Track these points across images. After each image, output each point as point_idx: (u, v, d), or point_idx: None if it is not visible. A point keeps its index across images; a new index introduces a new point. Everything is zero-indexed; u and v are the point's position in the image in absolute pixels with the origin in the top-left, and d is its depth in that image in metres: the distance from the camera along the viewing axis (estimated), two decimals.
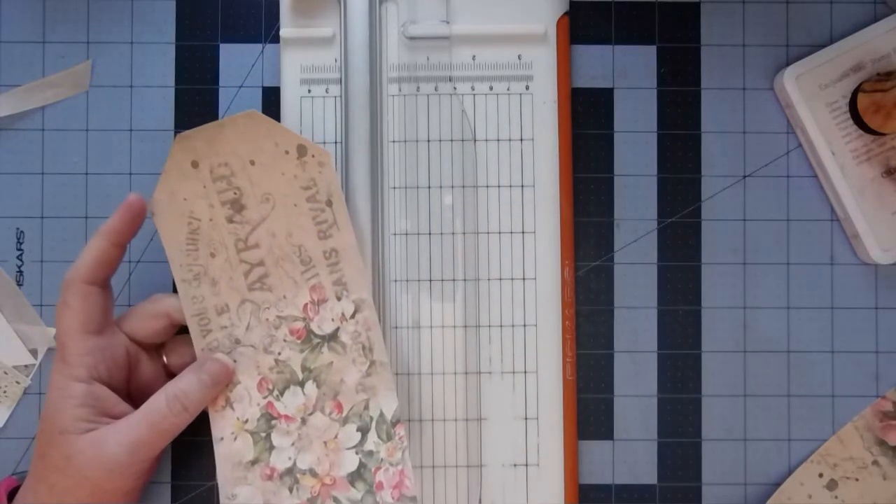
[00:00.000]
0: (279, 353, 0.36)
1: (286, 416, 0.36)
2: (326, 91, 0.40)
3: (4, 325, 0.41)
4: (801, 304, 0.41)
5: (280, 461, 0.36)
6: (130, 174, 0.41)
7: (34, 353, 0.41)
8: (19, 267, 0.41)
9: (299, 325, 0.36)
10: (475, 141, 0.40)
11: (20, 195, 0.41)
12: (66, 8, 0.42)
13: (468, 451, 0.39)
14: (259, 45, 0.42)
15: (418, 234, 0.40)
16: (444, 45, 0.40)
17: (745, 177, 0.41)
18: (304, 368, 0.36)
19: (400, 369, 0.39)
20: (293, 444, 0.36)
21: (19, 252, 0.41)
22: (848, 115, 0.40)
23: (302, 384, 0.36)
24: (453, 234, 0.40)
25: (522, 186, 0.40)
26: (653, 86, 0.42)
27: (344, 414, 0.36)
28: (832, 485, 0.41)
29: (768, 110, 0.42)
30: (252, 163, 0.35)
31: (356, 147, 0.39)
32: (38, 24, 0.41)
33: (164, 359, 0.39)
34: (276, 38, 0.41)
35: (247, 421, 0.36)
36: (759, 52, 0.42)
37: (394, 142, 0.40)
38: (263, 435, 0.36)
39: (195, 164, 0.35)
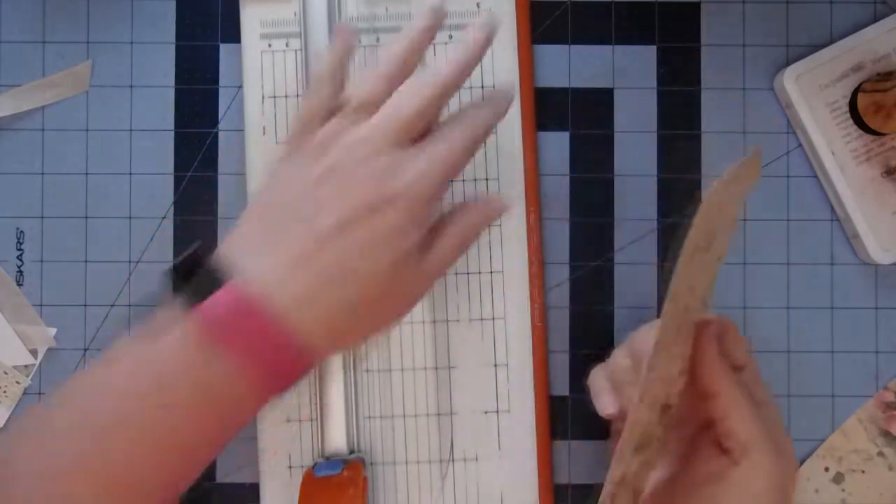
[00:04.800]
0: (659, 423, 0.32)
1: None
2: (287, 45, 0.40)
3: (4, 325, 0.41)
4: (801, 304, 0.41)
5: None
6: (130, 174, 0.41)
7: (34, 353, 0.41)
8: (19, 267, 0.41)
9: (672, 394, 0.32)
10: None
11: (20, 195, 0.41)
12: (66, 8, 0.42)
13: (438, 399, 0.40)
14: None
15: None
16: None
17: None
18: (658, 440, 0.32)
19: None
20: None
21: (19, 252, 0.41)
22: (848, 115, 0.40)
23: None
24: None
25: None
26: (653, 86, 0.42)
27: None
28: (839, 478, 0.41)
29: (768, 110, 0.42)
30: (731, 201, 0.31)
31: None
32: (38, 24, 0.41)
33: None
34: None
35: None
36: (759, 52, 0.42)
37: None
38: None
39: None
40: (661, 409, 0.31)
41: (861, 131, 0.40)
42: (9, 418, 0.41)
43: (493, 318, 0.40)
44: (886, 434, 0.41)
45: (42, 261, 0.41)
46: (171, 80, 0.42)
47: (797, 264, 0.41)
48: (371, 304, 0.31)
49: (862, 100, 0.39)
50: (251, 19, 0.40)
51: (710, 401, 0.32)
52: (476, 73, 0.40)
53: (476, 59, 0.32)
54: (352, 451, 0.39)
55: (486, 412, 0.40)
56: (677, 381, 0.31)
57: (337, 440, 0.39)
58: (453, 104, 0.40)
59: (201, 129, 0.41)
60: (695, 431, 0.34)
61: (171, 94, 0.41)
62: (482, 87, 0.40)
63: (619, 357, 0.35)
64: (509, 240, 0.40)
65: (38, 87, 0.41)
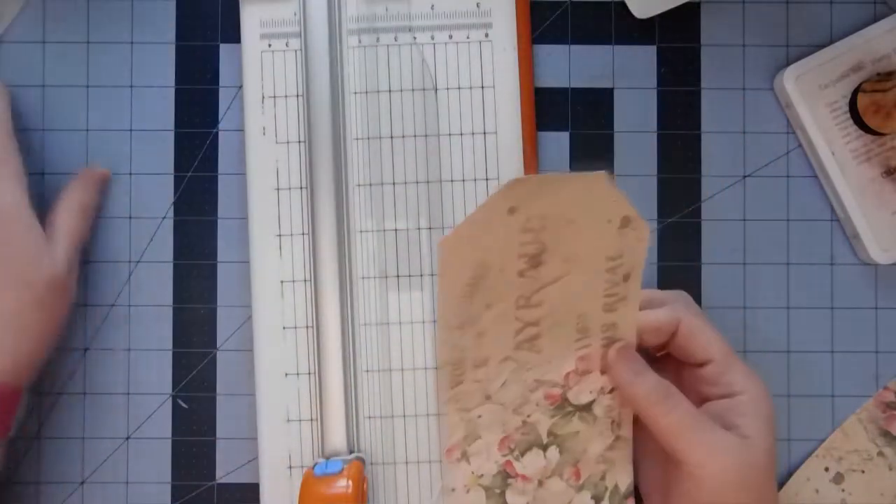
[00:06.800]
0: (528, 416, 0.34)
1: (523, 476, 0.35)
2: (287, 45, 0.40)
3: None
4: (801, 304, 0.41)
5: None
6: (130, 174, 0.41)
7: None
8: None
9: (556, 391, 0.34)
10: (436, 90, 0.40)
11: None
12: (66, 8, 0.42)
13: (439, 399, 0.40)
14: None
15: (382, 184, 0.40)
16: None
17: (745, 177, 0.41)
18: (551, 433, 0.35)
19: (367, 319, 0.40)
20: None
21: None
22: (848, 115, 0.40)
23: (545, 448, 0.35)
24: (417, 183, 0.40)
25: (485, 133, 0.40)
26: (653, 86, 0.42)
27: (581, 481, 0.35)
28: (839, 478, 0.41)
29: (768, 110, 0.42)
30: (569, 222, 0.31)
31: (317, 99, 0.40)
32: (38, 24, 0.41)
33: None
34: None
35: (482, 476, 0.35)
36: (759, 52, 0.42)
37: (355, 93, 0.40)
38: (497, 492, 0.35)
39: (512, 211, 0.31)
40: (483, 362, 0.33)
41: (861, 131, 0.40)
42: None
43: None
44: (886, 434, 0.41)
45: None
46: (171, 80, 0.42)
47: (797, 264, 0.41)
48: None
49: (862, 100, 0.39)
50: (251, 19, 0.40)
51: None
52: (476, 72, 0.40)
53: None
54: (352, 451, 0.39)
55: None
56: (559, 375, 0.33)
57: (337, 440, 0.39)
58: (454, 102, 0.40)
59: (201, 129, 0.41)
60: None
61: (171, 94, 0.41)
62: (482, 86, 0.40)
63: None
64: None
65: None
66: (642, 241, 0.31)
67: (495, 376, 0.33)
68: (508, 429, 0.34)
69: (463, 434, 0.34)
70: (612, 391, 0.34)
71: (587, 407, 0.34)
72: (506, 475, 0.35)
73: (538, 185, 0.30)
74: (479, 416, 0.34)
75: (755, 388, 0.34)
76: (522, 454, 0.34)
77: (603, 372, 0.33)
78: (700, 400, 0.35)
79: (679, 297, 0.38)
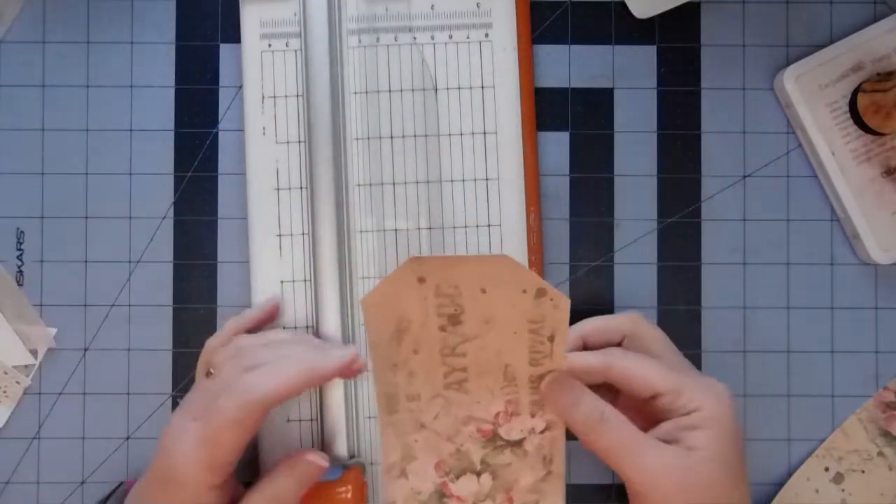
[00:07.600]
0: (462, 445, 0.36)
1: (458, 498, 0.36)
2: (287, 45, 0.40)
3: (4, 325, 0.41)
4: (801, 304, 0.41)
5: None
6: (130, 174, 0.41)
7: (34, 353, 0.41)
8: (19, 267, 0.41)
9: (487, 426, 0.35)
10: (436, 90, 0.40)
11: (20, 195, 0.41)
12: (66, 8, 0.42)
13: None
14: None
15: (382, 184, 0.40)
16: None
17: (745, 177, 0.41)
18: (483, 462, 0.36)
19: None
20: None
21: (19, 252, 0.41)
22: (848, 115, 0.40)
23: (478, 474, 0.36)
24: (417, 183, 0.40)
25: (485, 133, 0.40)
26: (653, 86, 0.42)
27: None
28: (839, 478, 0.41)
29: (768, 110, 0.42)
30: (483, 291, 0.33)
31: (317, 99, 0.40)
32: (38, 24, 0.41)
33: None
34: None
35: (420, 493, 0.36)
36: (759, 52, 0.42)
37: (355, 93, 0.40)
38: None
39: (422, 280, 0.33)
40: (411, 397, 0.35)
41: (861, 131, 0.40)
42: (9, 418, 0.41)
43: None
44: (886, 434, 0.41)
45: (42, 261, 0.41)
46: (171, 80, 0.42)
47: (797, 264, 0.41)
48: None
49: (862, 100, 0.39)
50: (251, 19, 0.40)
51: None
52: (476, 72, 0.40)
53: None
54: (352, 456, 0.39)
55: None
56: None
57: (337, 445, 0.39)
58: (454, 102, 0.40)
59: (201, 129, 0.41)
60: None
61: (171, 94, 0.41)
62: (482, 86, 0.40)
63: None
64: (509, 240, 0.40)
65: None
66: (560, 310, 0.32)
67: (427, 409, 0.35)
68: (442, 454, 0.36)
69: (400, 455, 0.36)
70: (543, 432, 0.35)
71: (518, 443, 0.35)
72: (442, 494, 0.36)
73: (441, 262, 0.32)
74: (416, 441, 0.35)
75: (712, 402, 0.34)
76: (457, 477, 0.36)
77: (532, 415, 0.35)
78: (658, 421, 0.35)
79: (631, 322, 0.37)
